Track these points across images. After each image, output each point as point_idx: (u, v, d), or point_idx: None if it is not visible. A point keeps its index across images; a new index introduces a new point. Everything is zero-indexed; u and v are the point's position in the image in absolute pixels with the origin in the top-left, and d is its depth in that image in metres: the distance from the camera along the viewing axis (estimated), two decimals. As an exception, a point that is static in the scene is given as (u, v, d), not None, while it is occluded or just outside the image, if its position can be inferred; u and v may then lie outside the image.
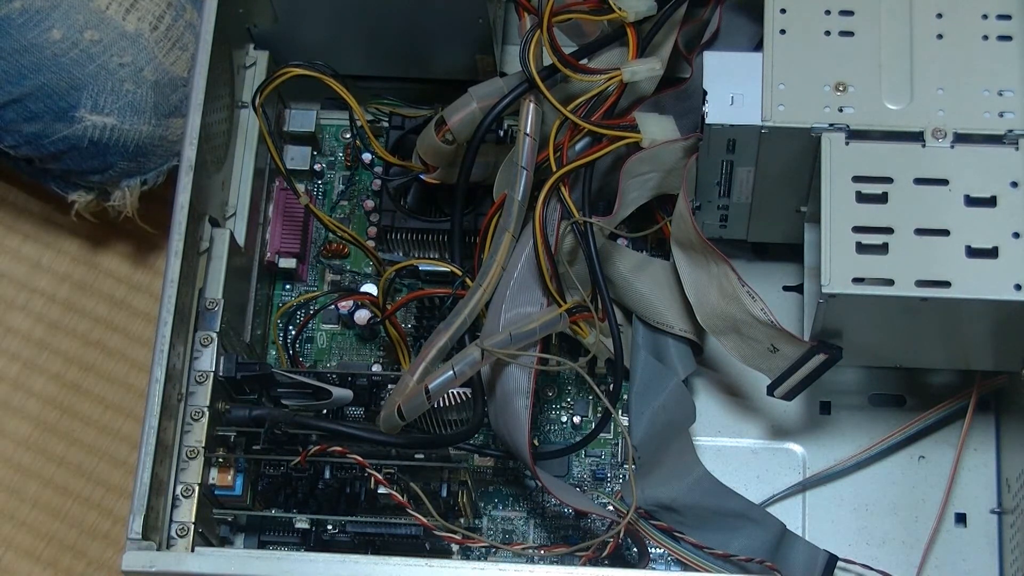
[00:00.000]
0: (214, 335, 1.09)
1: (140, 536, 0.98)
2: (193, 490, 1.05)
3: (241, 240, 1.17)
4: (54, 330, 1.33)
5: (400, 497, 1.05)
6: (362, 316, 1.20)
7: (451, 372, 1.05)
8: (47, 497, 1.28)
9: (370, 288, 1.21)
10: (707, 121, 1.06)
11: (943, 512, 1.17)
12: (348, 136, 1.27)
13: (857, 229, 1.02)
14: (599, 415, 1.20)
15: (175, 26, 1.25)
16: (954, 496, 1.18)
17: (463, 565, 0.96)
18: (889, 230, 1.02)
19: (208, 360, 1.08)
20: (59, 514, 1.27)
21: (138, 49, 1.23)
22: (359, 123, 1.19)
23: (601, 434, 1.19)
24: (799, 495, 1.19)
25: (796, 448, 1.20)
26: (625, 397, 1.17)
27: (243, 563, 0.97)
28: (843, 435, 1.20)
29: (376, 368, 1.21)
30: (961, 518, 1.17)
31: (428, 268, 1.20)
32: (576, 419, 1.21)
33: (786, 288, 1.23)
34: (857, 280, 1.01)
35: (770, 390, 1.12)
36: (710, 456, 1.19)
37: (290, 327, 1.23)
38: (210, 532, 1.08)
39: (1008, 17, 1.06)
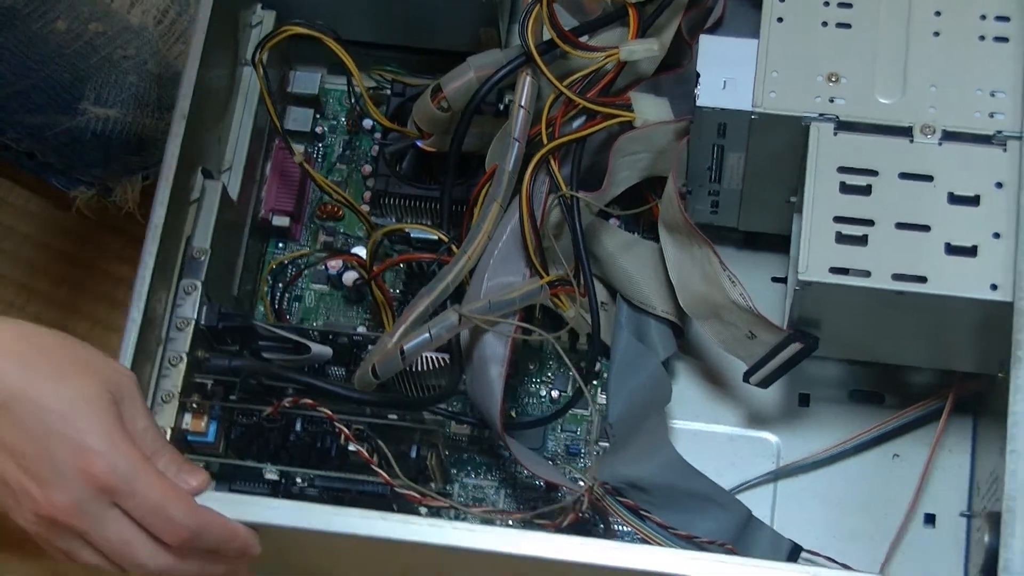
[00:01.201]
0: (199, 284, 1.10)
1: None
2: (166, 433, 1.06)
3: (235, 195, 1.18)
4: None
5: (365, 453, 1.05)
6: (350, 277, 1.21)
7: (427, 335, 1.06)
8: None
9: (360, 251, 1.22)
10: (698, 103, 1.06)
11: (912, 511, 1.17)
12: (351, 101, 1.28)
13: (838, 219, 1.03)
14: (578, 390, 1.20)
15: (179, 21, 1.24)
16: (926, 496, 1.18)
17: (418, 521, 0.96)
18: (870, 222, 1.02)
19: (191, 308, 1.10)
20: None
21: (142, 42, 1.23)
22: (357, 88, 1.19)
23: (579, 411, 1.20)
24: (771, 484, 1.19)
25: (772, 438, 1.20)
26: (605, 375, 1.18)
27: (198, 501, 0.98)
28: (820, 428, 1.20)
29: (361, 330, 1.22)
30: (931, 519, 1.17)
31: (418, 235, 1.21)
32: (555, 393, 1.21)
33: (775, 279, 1.24)
34: (834, 270, 1.01)
35: (746, 376, 1.12)
36: (686, 440, 1.20)
37: (280, 285, 1.24)
38: (181, 477, 1.09)
39: (1006, 19, 1.06)
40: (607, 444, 1.18)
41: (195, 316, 1.09)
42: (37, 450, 0.90)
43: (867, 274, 1.01)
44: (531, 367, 1.22)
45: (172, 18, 1.23)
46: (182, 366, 1.08)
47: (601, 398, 1.20)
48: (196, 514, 0.95)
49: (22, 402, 0.90)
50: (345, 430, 1.06)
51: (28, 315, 1.33)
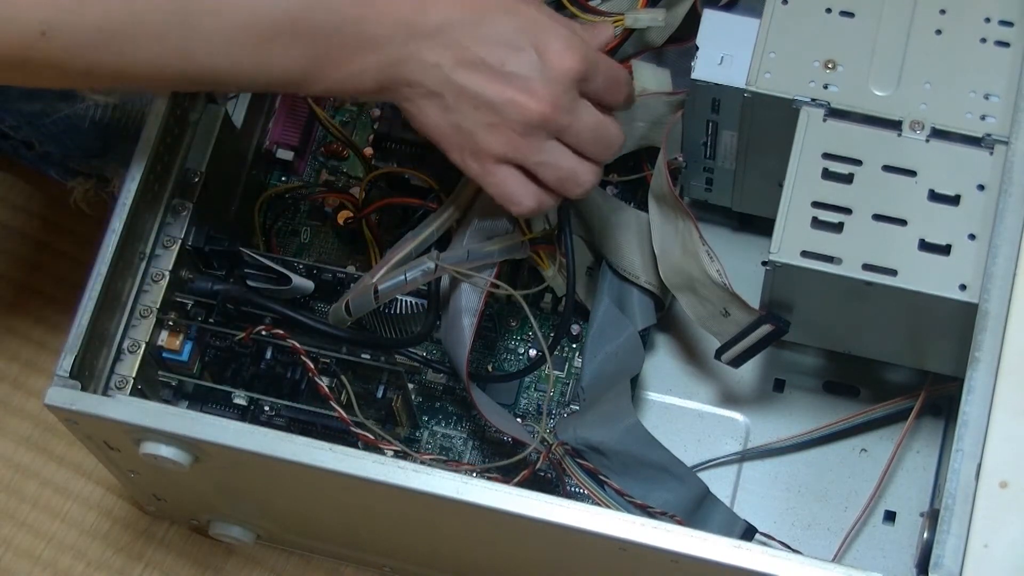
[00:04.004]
0: (189, 204, 1.12)
1: (68, 375, 1.01)
2: (140, 347, 1.08)
3: (239, 122, 1.19)
4: (54, 330, 1.34)
5: (326, 388, 1.07)
6: (343, 216, 1.23)
7: (402, 277, 1.07)
8: (47, 497, 1.29)
9: (357, 191, 1.23)
10: (692, 76, 1.07)
11: (872, 507, 1.17)
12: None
13: (816, 204, 1.03)
14: (557, 351, 1.21)
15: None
16: (889, 494, 1.18)
17: (365, 456, 0.98)
18: (848, 210, 1.02)
19: (179, 228, 1.11)
20: (59, 514, 1.28)
21: None
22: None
23: (556, 372, 1.21)
24: (736, 465, 1.20)
25: (741, 419, 1.21)
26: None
27: (157, 416, 0.99)
28: (791, 415, 1.21)
29: (349, 269, 1.23)
30: (891, 516, 1.18)
31: (417, 182, 1.22)
32: (532, 352, 1.22)
33: (765, 263, 1.23)
34: (806, 254, 1.02)
35: (718, 354, 1.13)
36: (656, 412, 1.21)
37: (270, 215, 1.25)
38: (152, 392, 1.11)
39: (1010, 24, 1.05)
40: (578, 407, 1.19)
41: (182, 236, 1.11)
42: (515, 57, 0.97)
43: (838, 261, 1.01)
44: (513, 323, 1.23)
45: None
46: (163, 283, 1.10)
47: (578, 361, 1.21)
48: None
49: (491, 16, 0.97)
50: (308, 363, 1.07)
51: (30, 315, 1.35)
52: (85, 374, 1.04)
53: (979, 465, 0.92)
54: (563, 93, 0.98)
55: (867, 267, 1.01)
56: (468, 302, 1.10)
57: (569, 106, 0.99)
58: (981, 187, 1.02)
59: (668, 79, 1.14)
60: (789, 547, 1.14)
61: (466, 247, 1.09)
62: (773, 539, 1.15)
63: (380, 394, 1.11)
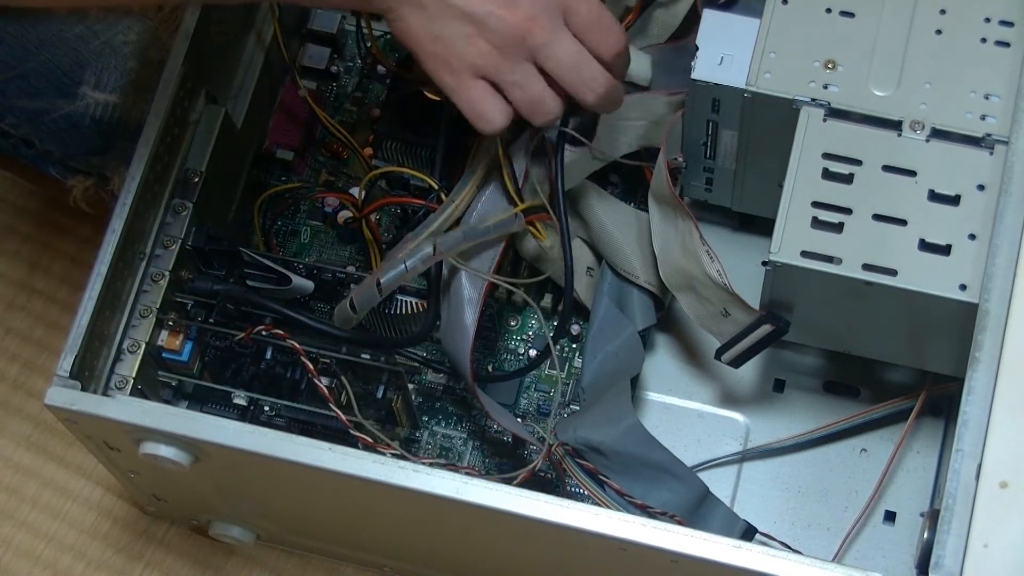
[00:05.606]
0: (189, 204, 1.12)
1: (68, 375, 1.01)
2: (140, 347, 1.08)
3: (240, 122, 1.19)
4: (54, 330, 1.34)
5: (325, 388, 1.07)
6: (343, 216, 1.23)
7: (402, 266, 1.07)
8: (47, 497, 1.29)
9: (357, 191, 1.23)
10: (692, 76, 1.07)
11: (872, 507, 1.17)
12: (359, 42, 1.29)
13: (816, 204, 1.03)
14: (557, 350, 1.21)
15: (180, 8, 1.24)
16: (889, 494, 1.18)
17: (365, 456, 0.98)
18: (848, 210, 1.02)
19: (179, 227, 1.12)
20: (59, 514, 1.28)
21: (143, 28, 1.21)
22: (367, 30, 1.21)
23: (554, 372, 1.21)
24: (736, 465, 1.20)
25: (741, 419, 1.21)
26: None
27: (157, 416, 1.00)
28: (791, 415, 1.21)
29: (349, 269, 1.23)
30: (891, 516, 1.18)
31: (416, 182, 1.22)
32: (532, 352, 1.22)
33: (765, 263, 1.23)
34: (806, 254, 1.02)
35: (718, 354, 1.13)
36: (656, 412, 1.21)
37: (270, 215, 1.25)
38: (152, 392, 1.12)
39: (1010, 24, 1.05)
40: (578, 407, 1.19)
41: (182, 236, 1.11)
42: None
43: (838, 261, 1.01)
44: (512, 324, 1.23)
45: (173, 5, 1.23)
46: (163, 283, 1.10)
47: (578, 361, 1.21)
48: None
49: None
50: (308, 363, 1.07)
51: (30, 315, 1.35)
52: (85, 374, 1.04)
53: (979, 465, 0.92)
54: (544, 12, 0.99)
55: (867, 267, 1.01)
56: (469, 296, 1.10)
57: (549, 26, 1.00)
58: (981, 187, 1.02)
59: (648, 65, 1.14)
60: (789, 547, 1.13)
61: (461, 229, 1.09)
62: (773, 539, 1.15)
63: (380, 394, 1.11)
